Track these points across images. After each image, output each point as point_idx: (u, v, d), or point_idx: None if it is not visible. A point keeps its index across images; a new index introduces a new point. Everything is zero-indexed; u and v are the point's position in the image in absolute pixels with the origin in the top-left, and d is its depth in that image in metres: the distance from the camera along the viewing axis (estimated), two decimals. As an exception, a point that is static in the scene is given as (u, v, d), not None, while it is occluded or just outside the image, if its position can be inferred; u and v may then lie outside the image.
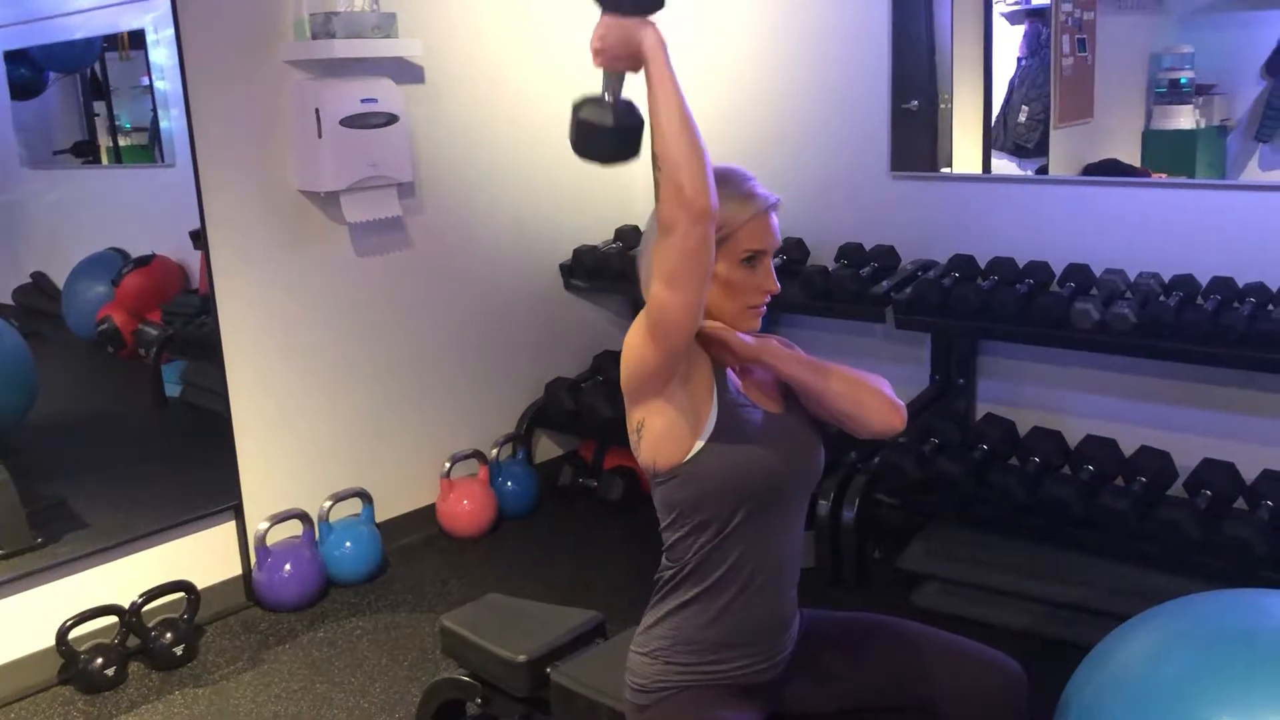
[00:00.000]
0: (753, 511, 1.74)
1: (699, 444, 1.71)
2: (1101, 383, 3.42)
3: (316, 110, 3.37)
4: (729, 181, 1.73)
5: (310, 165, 3.44)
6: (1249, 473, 2.96)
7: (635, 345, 1.69)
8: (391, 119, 3.53)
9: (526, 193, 4.11)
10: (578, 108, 1.65)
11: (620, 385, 1.76)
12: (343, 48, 3.37)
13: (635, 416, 1.75)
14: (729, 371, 1.79)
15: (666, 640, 1.81)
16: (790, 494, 1.81)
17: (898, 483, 3.28)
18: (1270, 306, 2.90)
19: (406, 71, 3.68)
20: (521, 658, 2.14)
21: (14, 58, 3.33)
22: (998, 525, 3.20)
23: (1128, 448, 3.15)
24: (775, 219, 1.77)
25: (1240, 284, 3.03)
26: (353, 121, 3.42)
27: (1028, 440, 3.28)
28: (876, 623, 1.96)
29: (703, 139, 1.58)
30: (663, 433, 1.72)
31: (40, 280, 3.43)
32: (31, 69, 3.42)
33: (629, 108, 1.65)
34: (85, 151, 3.58)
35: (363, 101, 3.45)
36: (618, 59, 1.62)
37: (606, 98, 1.64)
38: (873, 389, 1.81)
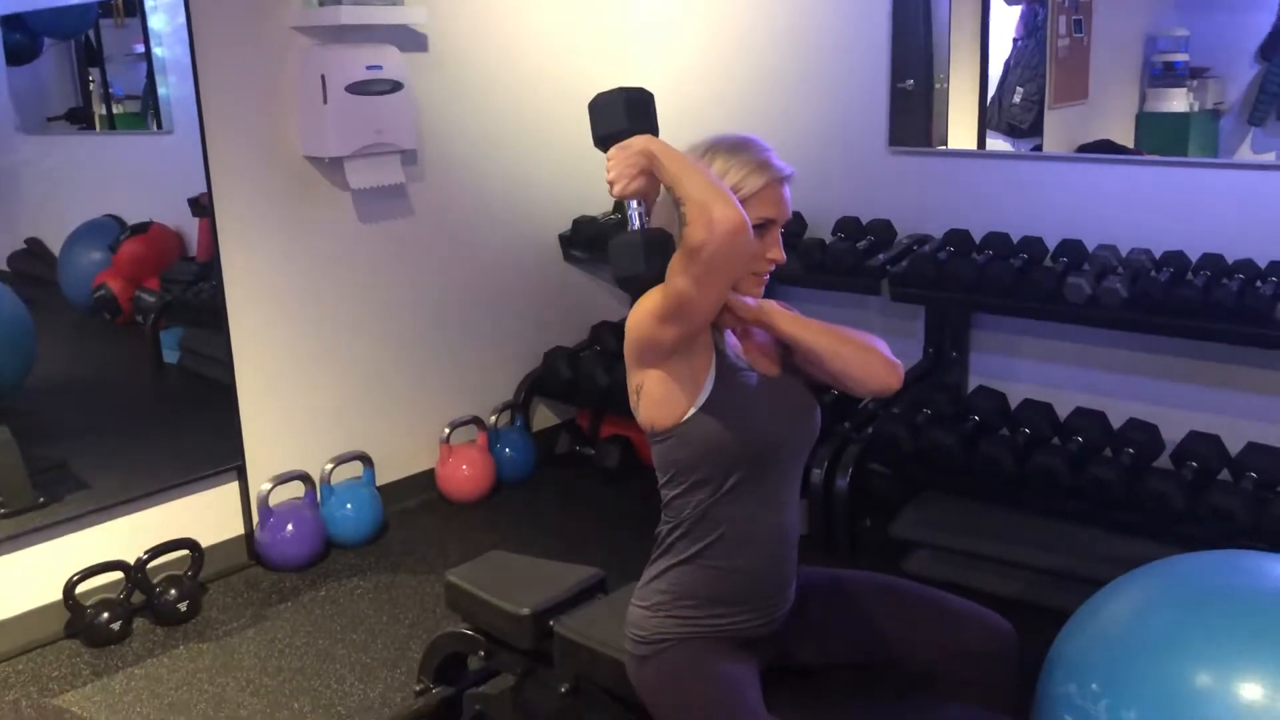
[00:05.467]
0: (749, 472, 1.78)
1: (696, 406, 1.74)
2: (1092, 356, 3.47)
3: (322, 76, 3.39)
4: (747, 149, 1.77)
5: (315, 131, 3.46)
6: (1234, 445, 3.02)
7: (646, 321, 1.71)
8: (396, 86, 3.56)
9: (527, 162, 4.14)
10: (611, 241, 1.76)
11: (622, 351, 1.79)
12: (349, 14, 3.40)
13: (635, 380, 1.78)
14: (728, 334, 1.83)
15: (666, 595, 1.84)
16: (786, 456, 1.85)
17: (890, 452, 3.34)
18: (1259, 282, 2.96)
19: (411, 39, 3.70)
20: (525, 611, 2.18)
21: (9, 22, 3.32)
22: (988, 495, 3.26)
23: (1116, 420, 3.22)
24: (788, 191, 1.80)
25: (1230, 260, 3.08)
26: (358, 88, 3.44)
27: (1018, 412, 3.33)
28: (873, 581, 2.00)
29: (720, 181, 1.64)
30: (662, 395, 1.75)
31: (35, 246, 3.42)
32: (26, 34, 3.40)
33: (656, 230, 1.73)
34: (79, 118, 3.57)
35: (368, 68, 3.47)
36: (631, 180, 1.70)
37: (636, 223, 1.75)
38: (871, 348, 1.83)
